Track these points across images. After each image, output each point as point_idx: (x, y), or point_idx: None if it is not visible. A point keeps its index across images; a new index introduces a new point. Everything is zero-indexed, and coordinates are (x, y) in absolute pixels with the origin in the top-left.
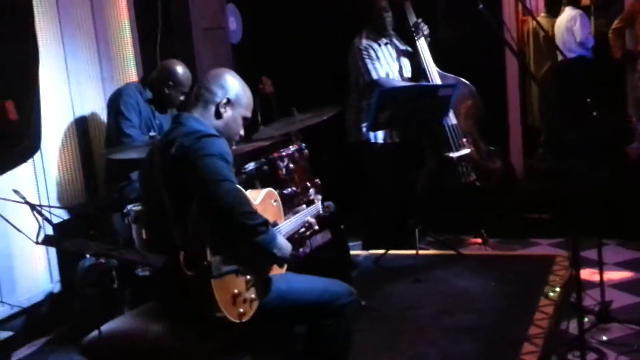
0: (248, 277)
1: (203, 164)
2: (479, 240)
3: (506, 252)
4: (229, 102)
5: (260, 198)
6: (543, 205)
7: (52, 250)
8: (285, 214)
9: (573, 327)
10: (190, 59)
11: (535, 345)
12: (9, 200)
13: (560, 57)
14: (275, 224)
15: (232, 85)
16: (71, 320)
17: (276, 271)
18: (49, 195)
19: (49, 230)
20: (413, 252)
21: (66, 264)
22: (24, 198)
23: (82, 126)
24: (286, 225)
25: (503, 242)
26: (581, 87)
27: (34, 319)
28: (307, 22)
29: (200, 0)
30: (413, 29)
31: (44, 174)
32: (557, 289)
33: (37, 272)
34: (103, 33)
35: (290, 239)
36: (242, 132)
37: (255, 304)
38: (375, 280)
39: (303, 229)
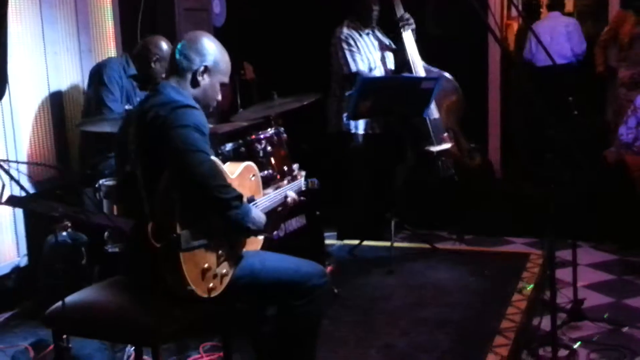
0: (220, 251)
1: (177, 135)
2: (454, 235)
3: (481, 247)
4: (206, 69)
5: (238, 172)
6: (519, 203)
7: (20, 223)
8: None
9: (545, 323)
10: (171, 39)
11: (507, 338)
12: None
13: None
14: (252, 199)
15: (210, 50)
16: (37, 295)
17: (250, 248)
18: (18, 169)
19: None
20: (388, 244)
21: (34, 237)
22: None
23: (57, 99)
24: (264, 201)
25: (477, 239)
26: (565, 89)
27: None
28: (292, 8)
29: None
30: (400, 21)
31: (14, 146)
32: (531, 285)
33: (3, 244)
34: (83, 5)
35: (268, 214)
36: (219, 98)
37: (226, 280)
38: (348, 270)
39: (282, 205)
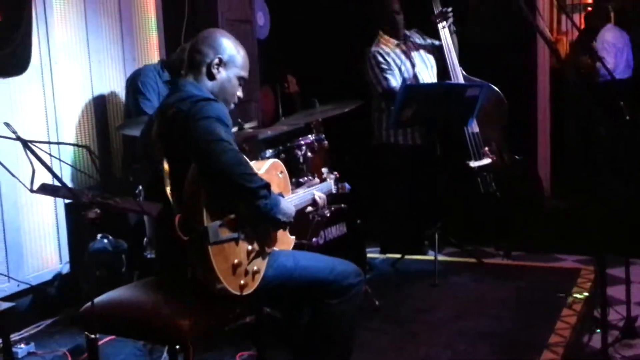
0: (250, 247)
1: (199, 126)
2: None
3: (529, 262)
4: (221, 62)
5: (265, 168)
6: (569, 219)
7: (63, 230)
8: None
9: (595, 340)
10: None
11: (555, 353)
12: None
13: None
14: (280, 196)
15: (224, 44)
16: (78, 302)
17: (282, 247)
18: (62, 175)
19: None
20: (431, 257)
21: (76, 245)
22: (15, 132)
23: (100, 106)
24: (292, 198)
25: (526, 256)
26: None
27: (41, 299)
28: (335, 19)
29: None
30: (438, 17)
31: (58, 153)
32: (582, 295)
33: (46, 251)
34: (128, 14)
35: (298, 213)
36: (239, 94)
37: (258, 277)
38: (390, 283)
39: (311, 206)
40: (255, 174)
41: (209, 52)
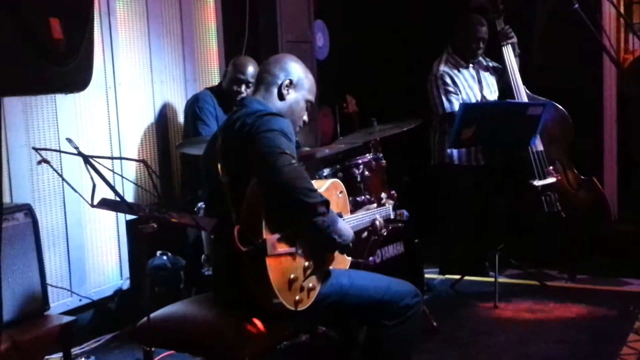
0: (306, 263)
1: (263, 138)
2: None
3: (594, 286)
4: (291, 83)
5: (325, 187)
6: (636, 243)
7: (124, 246)
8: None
9: None
10: None
11: None
12: (61, 151)
13: None
14: (339, 215)
15: (294, 68)
16: (138, 318)
17: (338, 267)
18: (124, 192)
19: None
20: (492, 279)
21: (136, 261)
22: (76, 148)
23: (162, 126)
24: (351, 219)
25: (591, 279)
26: None
27: (102, 313)
28: (394, 40)
29: (288, 14)
30: (500, 35)
31: (121, 171)
32: None
33: (107, 267)
34: (189, 36)
35: (355, 235)
36: (305, 118)
37: (313, 295)
38: (449, 304)
39: (368, 230)
40: (315, 190)
41: (279, 74)
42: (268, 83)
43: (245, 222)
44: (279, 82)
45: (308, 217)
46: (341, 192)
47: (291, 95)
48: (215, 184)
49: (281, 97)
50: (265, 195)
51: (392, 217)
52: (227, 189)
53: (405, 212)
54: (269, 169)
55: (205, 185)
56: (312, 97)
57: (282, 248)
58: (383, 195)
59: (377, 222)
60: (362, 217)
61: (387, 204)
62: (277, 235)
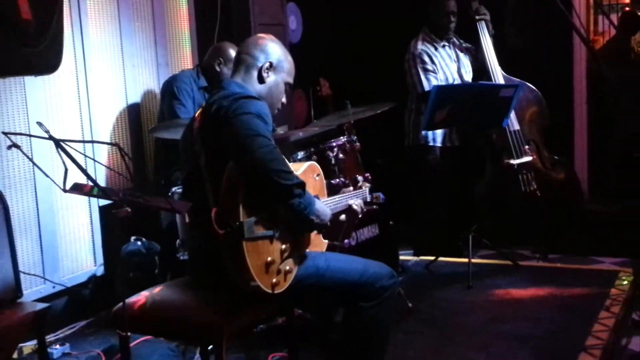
0: (283, 246)
1: (239, 120)
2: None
3: (566, 264)
4: (271, 66)
5: (301, 170)
6: (607, 221)
7: (97, 232)
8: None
9: (633, 344)
10: None
11: (593, 356)
12: (31, 135)
13: None
14: (316, 198)
15: (274, 49)
16: (112, 304)
17: (315, 249)
18: (97, 177)
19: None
20: (466, 260)
21: (110, 247)
22: (47, 131)
23: (134, 111)
24: (328, 202)
25: (563, 258)
26: None
27: (76, 300)
28: (367, 23)
29: None
30: (475, 14)
31: (92, 155)
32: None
33: (81, 253)
34: (161, 19)
35: (332, 218)
36: (284, 100)
37: (290, 277)
38: (424, 285)
39: (347, 213)
40: (291, 172)
41: (260, 56)
42: (248, 65)
43: (222, 205)
44: (259, 64)
45: (284, 199)
46: (318, 174)
47: (271, 78)
48: (193, 166)
49: (261, 80)
50: (242, 178)
51: (368, 199)
52: (205, 172)
53: (382, 195)
54: (245, 151)
55: (184, 169)
56: (291, 80)
57: (259, 231)
58: (359, 178)
59: (355, 205)
60: (340, 199)
61: (363, 187)
62: (254, 218)
